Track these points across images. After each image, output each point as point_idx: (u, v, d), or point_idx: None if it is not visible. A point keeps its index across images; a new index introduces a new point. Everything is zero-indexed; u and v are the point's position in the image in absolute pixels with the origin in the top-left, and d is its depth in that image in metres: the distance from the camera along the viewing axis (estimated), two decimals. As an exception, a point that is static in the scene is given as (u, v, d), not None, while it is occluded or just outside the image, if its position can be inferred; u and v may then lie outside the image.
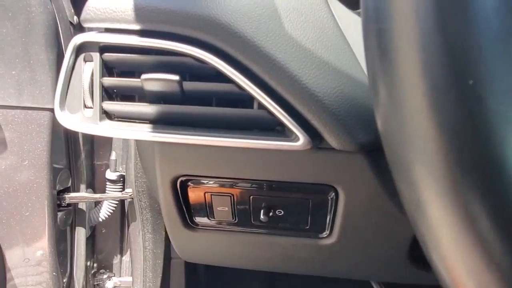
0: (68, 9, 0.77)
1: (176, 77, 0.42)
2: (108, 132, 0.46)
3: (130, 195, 0.83)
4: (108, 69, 0.46)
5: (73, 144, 0.82)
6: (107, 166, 0.88)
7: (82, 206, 0.86)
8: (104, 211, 0.87)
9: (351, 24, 0.45)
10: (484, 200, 0.19)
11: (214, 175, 0.51)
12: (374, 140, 0.43)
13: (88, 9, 0.43)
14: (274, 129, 0.45)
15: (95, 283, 0.93)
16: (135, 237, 0.84)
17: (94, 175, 0.92)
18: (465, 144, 0.19)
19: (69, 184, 0.81)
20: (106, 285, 0.93)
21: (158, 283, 0.85)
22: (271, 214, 0.53)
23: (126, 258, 0.96)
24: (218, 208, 0.54)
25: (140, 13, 0.42)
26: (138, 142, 0.64)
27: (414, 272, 0.57)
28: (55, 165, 0.75)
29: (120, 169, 0.87)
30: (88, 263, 0.90)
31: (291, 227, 0.54)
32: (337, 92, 0.41)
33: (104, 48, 0.45)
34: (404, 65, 0.20)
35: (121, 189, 0.85)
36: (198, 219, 0.56)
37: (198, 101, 0.45)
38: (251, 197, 0.52)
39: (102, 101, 0.45)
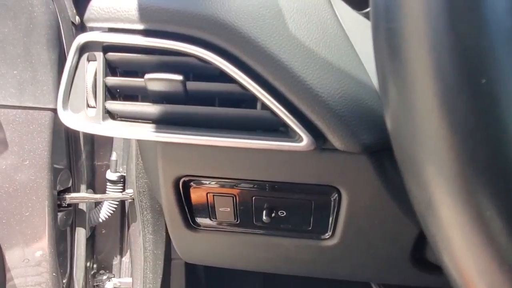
0: (70, 9, 0.77)
1: (179, 77, 0.42)
2: (111, 132, 0.46)
3: (131, 196, 0.83)
4: (111, 68, 0.46)
5: (74, 145, 0.82)
6: (108, 167, 0.88)
7: (82, 206, 0.85)
8: (104, 212, 0.87)
9: (355, 25, 0.45)
10: (497, 200, 0.19)
11: (217, 176, 0.50)
12: (377, 141, 0.43)
13: (92, 8, 0.43)
14: (278, 130, 0.45)
15: (95, 284, 0.93)
16: (135, 238, 0.84)
17: (94, 175, 0.92)
18: (477, 143, 0.18)
19: (70, 185, 0.81)
20: (106, 286, 0.93)
21: (158, 284, 0.85)
22: (273, 215, 0.53)
23: (126, 259, 0.96)
24: (220, 209, 0.54)
25: (144, 12, 0.42)
26: (140, 142, 0.64)
27: (417, 274, 0.57)
28: (55, 166, 0.74)
29: (121, 169, 0.87)
30: (88, 264, 0.90)
31: (293, 228, 0.54)
32: (341, 92, 0.41)
33: (107, 48, 0.44)
34: (415, 64, 0.20)
35: (121, 190, 0.85)
36: (199, 220, 0.56)
37: (201, 101, 0.45)
38: (254, 198, 0.52)
39: (105, 100, 0.45)
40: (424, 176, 0.22)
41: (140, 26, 0.42)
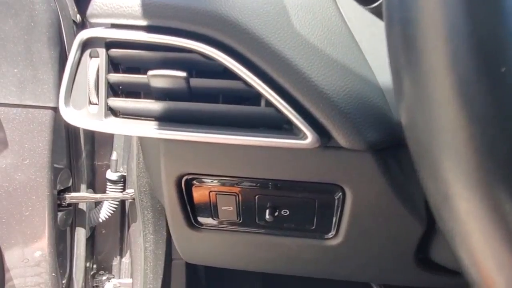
0: (71, 7, 0.77)
1: (183, 74, 0.42)
2: (113, 129, 0.45)
3: (131, 196, 0.82)
4: (113, 65, 0.45)
5: (74, 144, 0.81)
6: (108, 167, 0.88)
7: (82, 206, 0.85)
8: (104, 212, 0.86)
9: (360, 22, 0.44)
10: None
11: (220, 174, 0.50)
12: (382, 139, 0.42)
13: (95, 4, 0.42)
14: (281, 127, 0.45)
15: (94, 284, 0.92)
16: (136, 238, 0.83)
17: (94, 175, 0.91)
18: (497, 135, 0.18)
19: (70, 184, 0.80)
20: (105, 287, 0.92)
21: (159, 285, 0.84)
22: (276, 214, 0.52)
23: (125, 259, 0.95)
24: (222, 208, 0.53)
25: (147, 8, 0.41)
26: (142, 141, 0.63)
27: (420, 274, 0.56)
28: (55, 165, 0.74)
29: (121, 169, 0.87)
30: (88, 264, 0.89)
31: (297, 227, 0.54)
32: (345, 90, 0.41)
33: (110, 44, 0.44)
34: (431, 54, 0.19)
35: (121, 190, 0.85)
36: (202, 219, 0.56)
37: (204, 98, 0.44)
38: (257, 196, 0.51)
39: (108, 97, 0.45)
40: (441, 170, 0.21)
41: (143, 22, 0.42)
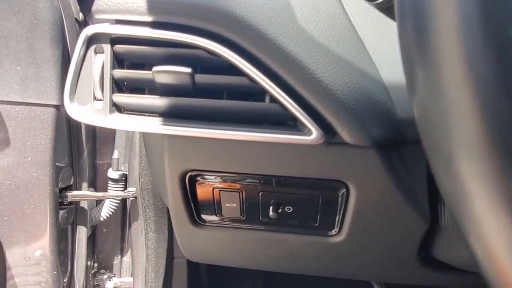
0: (74, 5, 0.77)
1: (188, 70, 0.42)
2: (118, 125, 0.45)
3: (133, 194, 0.82)
4: (118, 61, 0.45)
5: (76, 142, 0.81)
6: (109, 165, 0.88)
7: (83, 204, 0.85)
8: (106, 210, 0.86)
9: (364, 19, 0.45)
10: None
11: (224, 170, 0.50)
12: (386, 135, 0.42)
13: (101, 0, 0.42)
14: (286, 123, 0.45)
15: (95, 283, 0.92)
16: (137, 236, 0.83)
17: (95, 174, 0.91)
18: None
19: (71, 182, 0.80)
20: (106, 286, 0.92)
21: (160, 283, 0.84)
22: (280, 210, 0.52)
23: (126, 258, 0.95)
24: (226, 205, 0.53)
25: (152, 4, 0.41)
26: (145, 137, 0.63)
27: (423, 272, 0.56)
28: (57, 163, 0.74)
29: (122, 168, 0.87)
30: (89, 263, 0.89)
31: (300, 224, 0.54)
32: (350, 86, 0.41)
33: (115, 40, 0.44)
34: (445, 48, 0.19)
35: (123, 188, 0.85)
36: (205, 216, 0.56)
37: (208, 94, 0.44)
38: (260, 193, 0.51)
39: (112, 93, 0.45)
40: (456, 164, 0.21)
41: (148, 18, 0.42)
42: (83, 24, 0.80)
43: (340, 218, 0.52)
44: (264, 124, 0.45)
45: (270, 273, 1.10)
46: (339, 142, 0.44)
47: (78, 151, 0.82)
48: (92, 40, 0.44)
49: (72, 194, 0.79)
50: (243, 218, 0.55)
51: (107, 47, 0.44)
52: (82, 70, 0.45)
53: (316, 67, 0.40)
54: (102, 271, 0.94)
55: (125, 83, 0.46)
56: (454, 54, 0.19)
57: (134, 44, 0.44)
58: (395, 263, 0.57)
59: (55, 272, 0.76)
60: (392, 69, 0.43)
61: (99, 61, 0.45)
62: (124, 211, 0.93)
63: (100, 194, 0.83)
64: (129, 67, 0.46)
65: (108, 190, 0.84)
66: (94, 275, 0.92)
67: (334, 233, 0.54)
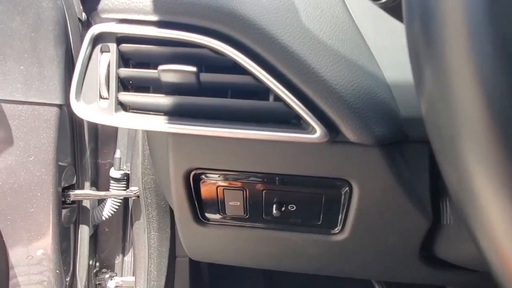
0: (77, 5, 0.77)
1: (193, 69, 0.42)
2: (123, 123, 0.46)
3: (135, 193, 0.82)
4: (124, 60, 0.46)
5: (79, 142, 0.82)
6: (111, 165, 0.88)
7: (86, 204, 0.85)
8: (108, 210, 0.86)
9: (368, 18, 0.45)
10: None
11: (228, 168, 0.50)
12: (389, 133, 0.43)
13: None
14: (290, 122, 0.45)
15: (97, 282, 0.92)
16: (139, 236, 0.84)
17: (97, 173, 0.92)
18: None
19: (74, 181, 0.80)
20: (108, 285, 0.92)
21: (163, 282, 0.84)
22: (283, 209, 0.53)
23: (128, 258, 0.95)
24: (230, 203, 0.54)
25: (158, 4, 0.42)
26: (149, 136, 0.64)
27: (425, 271, 0.57)
28: (60, 163, 0.74)
29: (124, 167, 0.87)
30: (90, 262, 0.89)
31: (303, 222, 0.54)
32: (353, 85, 0.41)
33: (121, 39, 0.45)
34: (453, 46, 0.19)
35: (125, 188, 0.85)
36: (209, 215, 0.56)
37: (213, 93, 0.45)
38: (264, 191, 0.52)
39: (118, 92, 0.45)
40: (464, 160, 0.21)
41: (154, 18, 0.42)
42: (86, 23, 0.80)
43: (343, 216, 0.52)
44: (268, 122, 0.45)
45: (270, 273, 1.10)
46: (342, 140, 0.44)
47: (80, 150, 0.82)
48: (98, 39, 0.45)
49: (75, 193, 0.79)
50: (247, 216, 0.55)
51: (113, 46, 0.45)
52: (88, 69, 0.45)
53: (320, 66, 0.41)
54: (103, 270, 0.94)
55: (131, 82, 0.47)
56: (461, 52, 0.19)
57: (140, 43, 0.44)
58: (397, 261, 0.57)
59: (57, 271, 0.77)
60: (395, 68, 0.44)
61: (105, 60, 0.45)
62: (125, 210, 0.94)
63: (102, 193, 0.84)
64: (134, 66, 0.47)
65: (110, 190, 0.85)
66: (96, 274, 0.93)
67: (337, 231, 0.54)
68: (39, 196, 0.72)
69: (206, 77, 0.44)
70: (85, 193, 0.82)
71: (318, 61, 0.41)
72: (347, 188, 0.50)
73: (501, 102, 0.19)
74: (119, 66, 0.45)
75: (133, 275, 0.91)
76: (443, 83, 0.21)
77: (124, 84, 0.47)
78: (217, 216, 0.56)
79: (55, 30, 0.70)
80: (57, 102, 0.71)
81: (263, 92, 0.44)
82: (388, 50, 0.44)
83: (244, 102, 0.44)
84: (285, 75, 0.42)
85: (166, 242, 0.84)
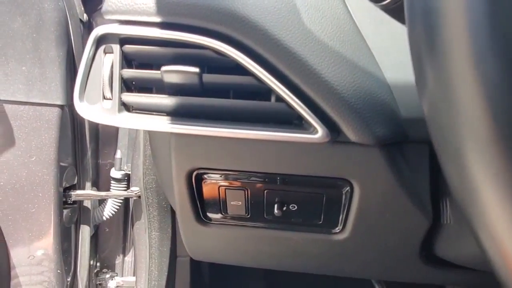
0: (79, 6, 0.78)
1: (196, 69, 0.43)
2: (126, 123, 0.46)
3: (136, 193, 0.83)
4: (127, 61, 0.46)
5: (80, 142, 0.82)
6: (111, 165, 0.88)
7: (87, 204, 0.85)
8: (108, 210, 0.87)
9: (368, 20, 0.45)
10: None
11: (230, 168, 0.51)
12: (390, 134, 0.43)
13: (110, 1, 0.43)
14: (292, 122, 0.45)
15: (98, 282, 0.93)
16: (140, 235, 0.84)
17: (98, 174, 0.92)
18: None
19: (75, 182, 0.81)
20: (109, 285, 0.93)
21: (163, 282, 0.85)
22: (284, 208, 0.53)
23: (128, 258, 0.95)
24: (231, 203, 0.54)
25: (161, 5, 0.42)
26: (151, 137, 0.64)
27: (425, 270, 0.57)
28: (61, 163, 0.74)
29: (125, 168, 0.87)
30: (91, 262, 0.90)
31: (304, 222, 0.55)
32: (355, 86, 0.42)
33: (124, 40, 0.45)
34: (455, 47, 0.20)
35: (125, 188, 0.85)
36: (211, 214, 0.57)
37: (215, 94, 0.45)
38: (265, 191, 0.52)
39: (121, 92, 0.46)
40: (465, 160, 0.21)
41: (157, 19, 0.43)
42: (87, 24, 0.81)
43: (343, 216, 0.53)
44: (270, 123, 0.45)
45: (271, 273, 1.11)
46: (343, 140, 0.45)
47: (82, 151, 0.83)
48: (101, 40, 0.45)
49: (76, 194, 0.80)
50: (248, 216, 0.55)
51: (116, 47, 0.45)
52: (92, 70, 0.46)
53: (322, 67, 0.41)
54: (104, 270, 0.94)
55: (134, 83, 0.47)
56: (463, 52, 0.20)
57: (143, 45, 0.44)
58: (397, 261, 0.58)
59: (58, 271, 0.77)
60: (395, 69, 0.44)
61: (108, 61, 0.45)
62: (126, 210, 0.94)
63: (103, 193, 0.84)
64: (137, 67, 0.47)
65: (111, 190, 0.85)
66: (97, 274, 0.93)
67: (338, 230, 0.55)
68: (40, 196, 0.72)
69: (208, 78, 0.44)
70: (86, 193, 0.82)
71: (320, 62, 0.41)
72: (348, 188, 0.50)
73: (502, 102, 0.19)
74: (122, 67, 0.45)
75: (134, 275, 0.91)
76: (445, 83, 0.21)
77: (127, 85, 0.47)
78: (219, 216, 0.56)
79: (57, 31, 0.70)
80: (59, 102, 0.71)
81: (265, 92, 0.45)
82: (389, 51, 0.45)
83: (246, 103, 0.44)
84: (287, 76, 0.42)
85: (167, 242, 0.84)
